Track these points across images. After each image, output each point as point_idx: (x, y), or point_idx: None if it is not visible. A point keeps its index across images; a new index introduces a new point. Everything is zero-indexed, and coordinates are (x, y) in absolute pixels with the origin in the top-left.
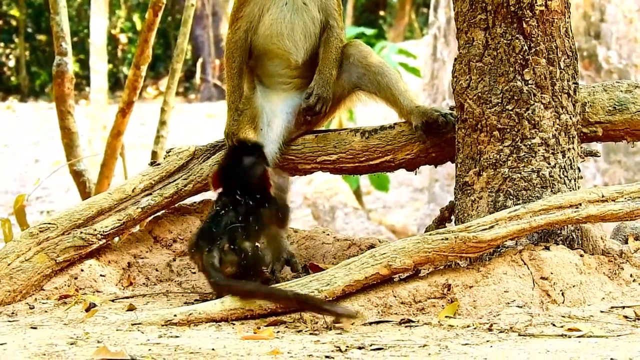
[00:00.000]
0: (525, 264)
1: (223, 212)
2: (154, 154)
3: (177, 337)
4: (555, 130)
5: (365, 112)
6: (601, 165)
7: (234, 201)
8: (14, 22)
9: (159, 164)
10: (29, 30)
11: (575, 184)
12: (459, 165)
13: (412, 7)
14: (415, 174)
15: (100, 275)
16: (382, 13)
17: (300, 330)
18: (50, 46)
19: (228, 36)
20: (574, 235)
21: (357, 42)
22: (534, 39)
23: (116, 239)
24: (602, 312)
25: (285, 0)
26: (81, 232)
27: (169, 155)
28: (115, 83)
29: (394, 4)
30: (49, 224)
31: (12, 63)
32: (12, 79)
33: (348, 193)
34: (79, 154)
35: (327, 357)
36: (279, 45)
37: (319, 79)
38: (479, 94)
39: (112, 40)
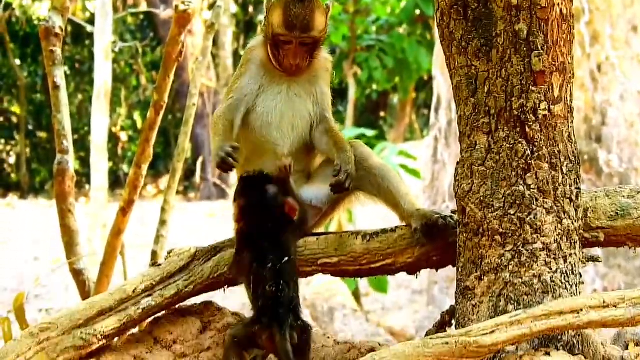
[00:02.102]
0: None
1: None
2: (154, 254)
3: None
4: (557, 235)
5: (364, 213)
6: (601, 269)
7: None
8: (14, 119)
9: (159, 265)
10: (30, 127)
11: (576, 289)
12: (460, 270)
13: (412, 108)
14: (417, 277)
15: None
16: (382, 114)
17: None
18: (51, 143)
19: (219, 107)
20: (575, 341)
21: (358, 144)
22: (536, 143)
23: (116, 339)
24: None
25: (280, 89)
26: (81, 333)
27: (169, 256)
28: (115, 181)
29: (394, 105)
30: (49, 323)
31: (12, 160)
32: (12, 175)
33: (347, 294)
34: (78, 252)
35: None
36: (267, 137)
37: (343, 156)
38: (481, 198)
39: (113, 138)
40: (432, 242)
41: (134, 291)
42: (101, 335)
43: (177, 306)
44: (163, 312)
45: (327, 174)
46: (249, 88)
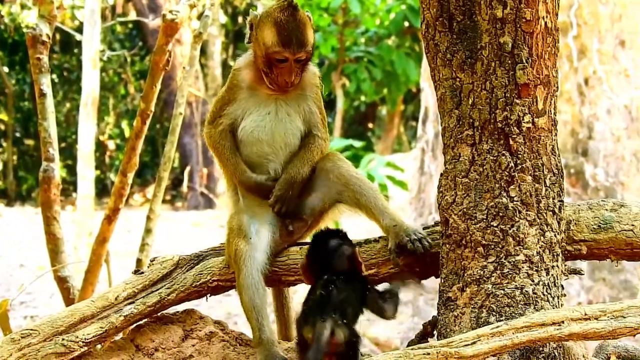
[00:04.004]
0: None
1: (328, 289)
2: (139, 262)
3: None
4: (540, 247)
5: (352, 223)
6: (586, 282)
7: (334, 281)
8: (2, 126)
9: (142, 273)
10: (17, 134)
11: (558, 302)
12: (442, 281)
13: (400, 120)
14: None
15: None
16: (370, 125)
17: None
18: (38, 151)
19: (210, 131)
20: (556, 353)
21: (335, 157)
22: (520, 156)
23: (98, 346)
24: None
25: (268, 110)
26: (63, 339)
27: (152, 264)
28: (102, 189)
29: (382, 117)
30: (31, 330)
31: None
32: None
33: None
34: (63, 259)
35: None
36: (259, 153)
37: (282, 179)
38: (464, 210)
39: (100, 147)
40: (405, 261)
41: (116, 298)
42: (83, 342)
43: (159, 314)
44: (145, 320)
45: (311, 186)
46: (238, 112)
